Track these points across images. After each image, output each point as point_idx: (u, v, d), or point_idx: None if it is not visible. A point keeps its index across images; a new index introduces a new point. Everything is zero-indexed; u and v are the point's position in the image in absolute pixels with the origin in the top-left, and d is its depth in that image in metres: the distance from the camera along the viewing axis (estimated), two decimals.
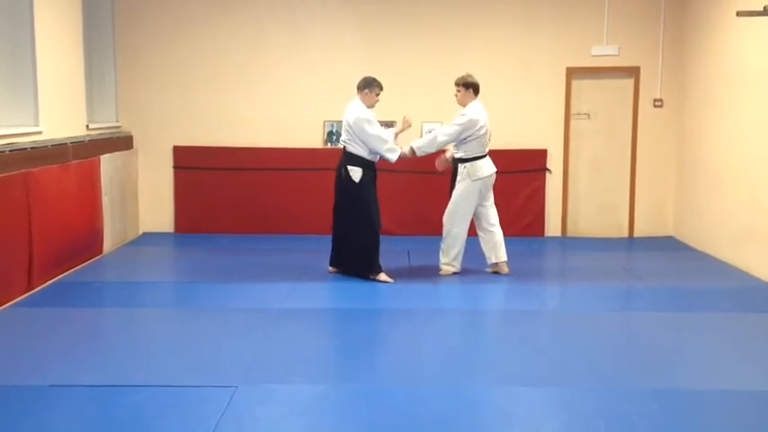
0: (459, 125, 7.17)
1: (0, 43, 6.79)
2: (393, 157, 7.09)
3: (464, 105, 7.28)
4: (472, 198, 7.30)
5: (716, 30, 8.55)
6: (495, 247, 7.46)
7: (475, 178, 7.25)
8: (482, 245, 7.51)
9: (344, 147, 7.14)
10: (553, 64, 9.55)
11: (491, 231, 7.44)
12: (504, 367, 4.99)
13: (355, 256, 7.21)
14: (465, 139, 7.18)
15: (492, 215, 7.44)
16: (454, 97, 7.36)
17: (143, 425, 4.02)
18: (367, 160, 7.09)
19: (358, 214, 7.11)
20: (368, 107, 7.11)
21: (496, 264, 7.51)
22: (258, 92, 9.57)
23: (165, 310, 6.44)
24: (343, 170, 7.13)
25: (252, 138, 9.58)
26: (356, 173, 7.06)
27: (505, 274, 7.49)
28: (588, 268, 8.13)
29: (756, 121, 7.60)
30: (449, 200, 7.41)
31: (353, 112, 7.06)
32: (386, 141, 7.05)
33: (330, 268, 7.47)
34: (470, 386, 4.64)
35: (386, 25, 9.52)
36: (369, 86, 7.11)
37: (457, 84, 7.32)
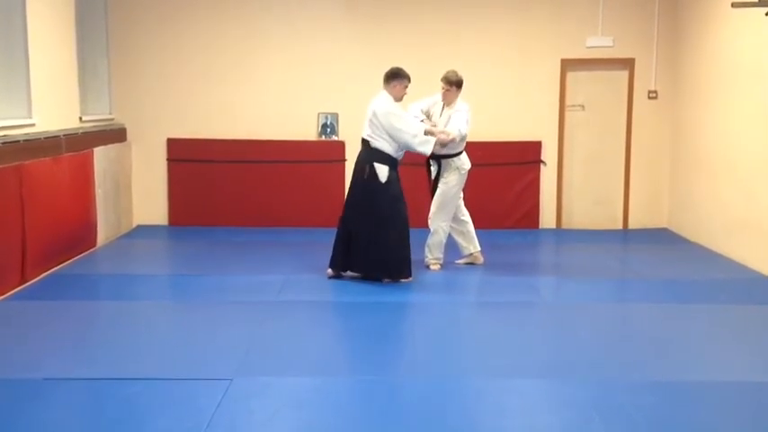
0: (467, 116, 7.19)
1: None
2: (428, 149, 6.76)
3: (451, 102, 7.22)
4: (459, 191, 7.35)
5: (711, 21, 8.55)
6: (472, 237, 7.51)
7: (463, 171, 7.26)
8: (457, 237, 7.50)
9: (368, 142, 6.76)
10: (548, 55, 9.54)
11: (466, 222, 7.48)
12: (500, 359, 4.98)
13: (382, 259, 6.74)
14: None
15: (464, 207, 7.49)
16: (442, 92, 7.23)
17: (137, 418, 4.01)
18: (393, 158, 6.77)
19: (385, 214, 6.69)
20: (395, 100, 6.81)
21: (472, 254, 7.52)
22: (252, 84, 9.54)
23: (160, 303, 6.42)
24: (368, 168, 6.71)
25: (246, 130, 9.55)
26: (383, 171, 6.68)
27: (481, 264, 7.53)
28: (583, 260, 8.13)
29: (751, 113, 7.60)
30: (431, 199, 7.36)
31: (380, 105, 6.72)
32: (416, 135, 6.72)
33: (330, 270, 6.96)
34: (466, 378, 4.63)
35: (380, 17, 9.49)
36: (396, 78, 6.79)
37: (449, 83, 7.15)
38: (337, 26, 9.50)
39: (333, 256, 6.96)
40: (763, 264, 7.30)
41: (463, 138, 7.18)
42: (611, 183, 9.79)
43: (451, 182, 7.23)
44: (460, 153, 7.27)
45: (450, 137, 6.97)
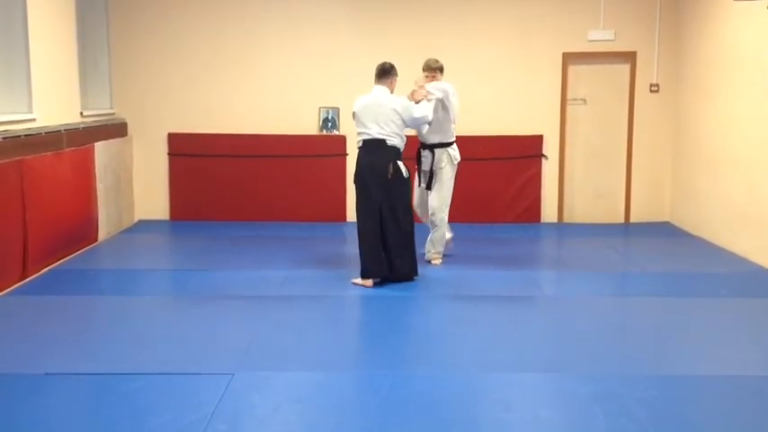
0: (451, 89, 7.10)
1: None
2: (431, 114, 6.80)
3: None
4: (454, 182, 7.27)
5: (712, 14, 8.52)
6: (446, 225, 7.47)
7: (456, 161, 7.23)
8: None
9: (384, 141, 6.50)
10: (549, 49, 9.52)
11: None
12: (501, 353, 4.98)
13: (410, 257, 6.68)
14: (443, 119, 7.07)
15: None
16: (427, 81, 7.08)
17: (139, 412, 4.01)
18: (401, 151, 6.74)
19: (407, 211, 6.68)
20: (391, 93, 6.75)
21: (449, 238, 7.50)
22: (253, 78, 9.53)
23: (161, 298, 6.43)
24: (391, 167, 6.48)
25: (247, 124, 9.54)
26: (404, 167, 6.56)
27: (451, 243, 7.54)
28: (584, 254, 8.12)
29: (752, 106, 7.58)
30: (419, 188, 7.34)
31: (396, 102, 6.59)
32: (427, 114, 6.76)
33: (370, 281, 6.53)
34: (467, 372, 4.63)
35: (380, 11, 9.47)
36: (392, 74, 6.71)
37: (433, 69, 7.10)
38: (337, 20, 9.48)
39: (370, 265, 6.54)
40: (764, 257, 7.29)
41: (443, 104, 7.02)
42: (612, 177, 9.78)
43: (447, 173, 7.18)
44: (453, 143, 7.22)
45: (425, 90, 6.88)
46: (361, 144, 6.66)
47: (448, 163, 7.19)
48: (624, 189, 9.78)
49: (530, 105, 9.59)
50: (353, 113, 6.71)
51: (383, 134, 6.54)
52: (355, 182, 6.66)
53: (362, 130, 6.62)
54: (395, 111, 6.57)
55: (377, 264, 6.54)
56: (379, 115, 6.56)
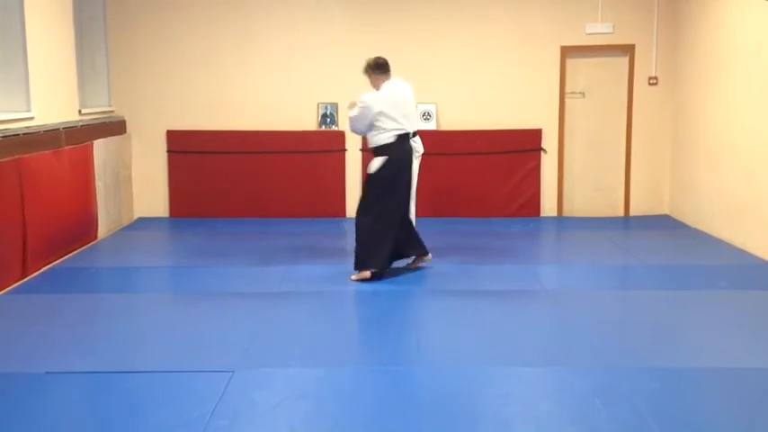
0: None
1: None
2: None
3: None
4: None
5: (711, 6, 8.51)
6: None
7: (418, 155, 7.06)
8: None
9: (409, 135, 6.66)
10: (547, 42, 9.50)
11: None
12: (502, 347, 4.98)
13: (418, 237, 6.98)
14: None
15: None
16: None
17: (139, 410, 4.01)
18: None
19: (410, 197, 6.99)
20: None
21: None
22: (251, 74, 9.52)
23: (161, 295, 6.42)
24: (411, 157, 6.75)
25: (246, 121, 9.53)
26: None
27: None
28: (584, 248, 8.13)
29: (751, 98, 7.57)
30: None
31: (406, 91, 6.77)
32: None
33: (368, 273, 6.59)
34: (469, 366, 4.63)
35: (377, 6, 9.44)
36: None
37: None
38: (335, 16, 9.46)
39: (384, 259, 6.62)
40: (763, 249, 7.28)
41: None
42: (611, 170, 9.77)
43: (418, 165, 7.03)
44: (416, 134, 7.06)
45: None
46: (393, 140, 6.56)
47: (417, 157, 7.09)
48: (623, 182, 9.77)
49: (528, 99, 9.57)
50: (377, 111, 6.48)
51: (412, 127, 6.76)
52: (384, 177, 6.55)
53: (394, 126, 6.56)
54: (414, 104, 6.85)
55: (387, 255, 6.64)
56: (408, 110, 6.74)
